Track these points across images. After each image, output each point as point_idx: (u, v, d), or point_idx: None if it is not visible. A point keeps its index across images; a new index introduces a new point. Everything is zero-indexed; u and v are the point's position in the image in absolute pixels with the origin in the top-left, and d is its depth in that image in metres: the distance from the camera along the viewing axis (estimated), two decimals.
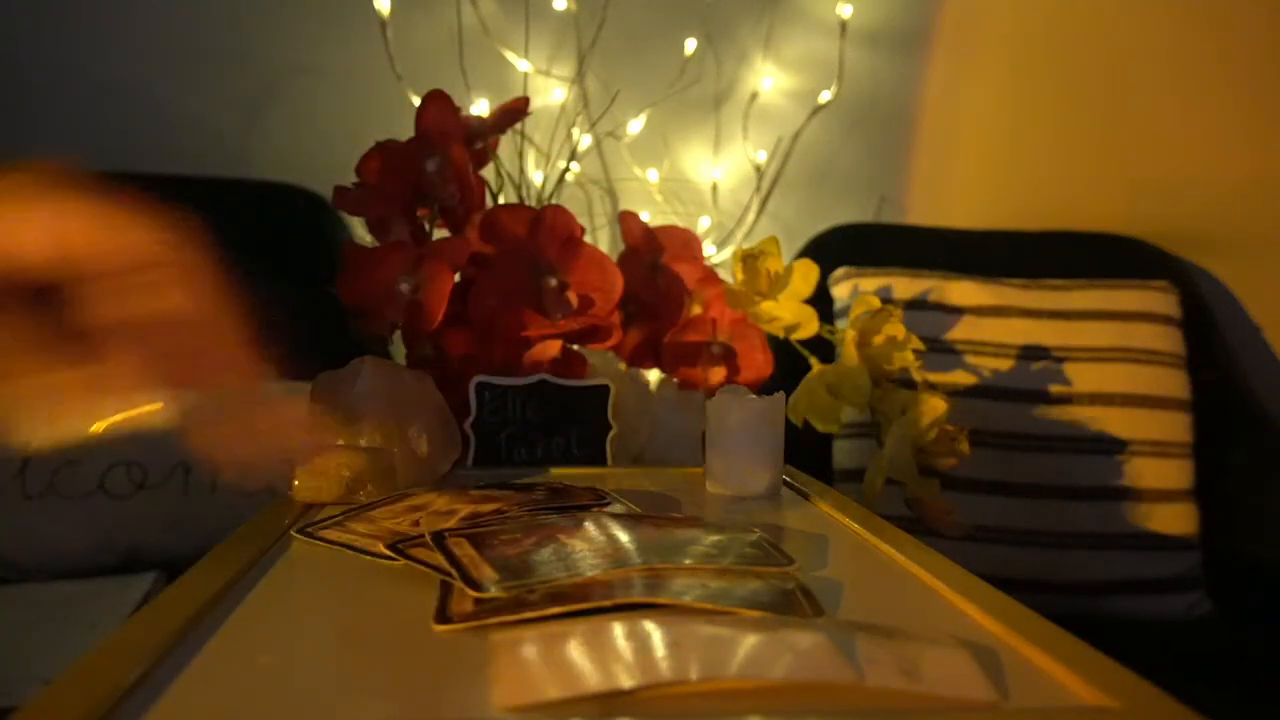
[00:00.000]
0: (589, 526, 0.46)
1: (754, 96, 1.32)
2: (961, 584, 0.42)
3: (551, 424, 0.73)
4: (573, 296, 0.81)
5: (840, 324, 1.13)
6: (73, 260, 0.36)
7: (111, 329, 0.37)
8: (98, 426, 0.36)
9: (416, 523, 0.49)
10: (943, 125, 1.36)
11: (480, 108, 1.22)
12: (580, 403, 0.73)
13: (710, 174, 1.33)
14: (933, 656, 0.32)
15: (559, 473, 0.69)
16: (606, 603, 0.37)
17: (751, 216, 1.33)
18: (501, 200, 1.07)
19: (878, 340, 0.80)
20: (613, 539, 0.44)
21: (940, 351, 1.08)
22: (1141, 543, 1.02)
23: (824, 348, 0.87)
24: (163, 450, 0.93)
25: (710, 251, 1.31)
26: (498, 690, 0.30)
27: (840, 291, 1.15)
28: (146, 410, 0.37)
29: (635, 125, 1.29)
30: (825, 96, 1.31)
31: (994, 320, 1.09)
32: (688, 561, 0.42)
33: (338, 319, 0.78)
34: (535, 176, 1.25)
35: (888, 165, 1.37)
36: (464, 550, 0.42)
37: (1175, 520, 1.03)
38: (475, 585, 0.38)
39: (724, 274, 1.01)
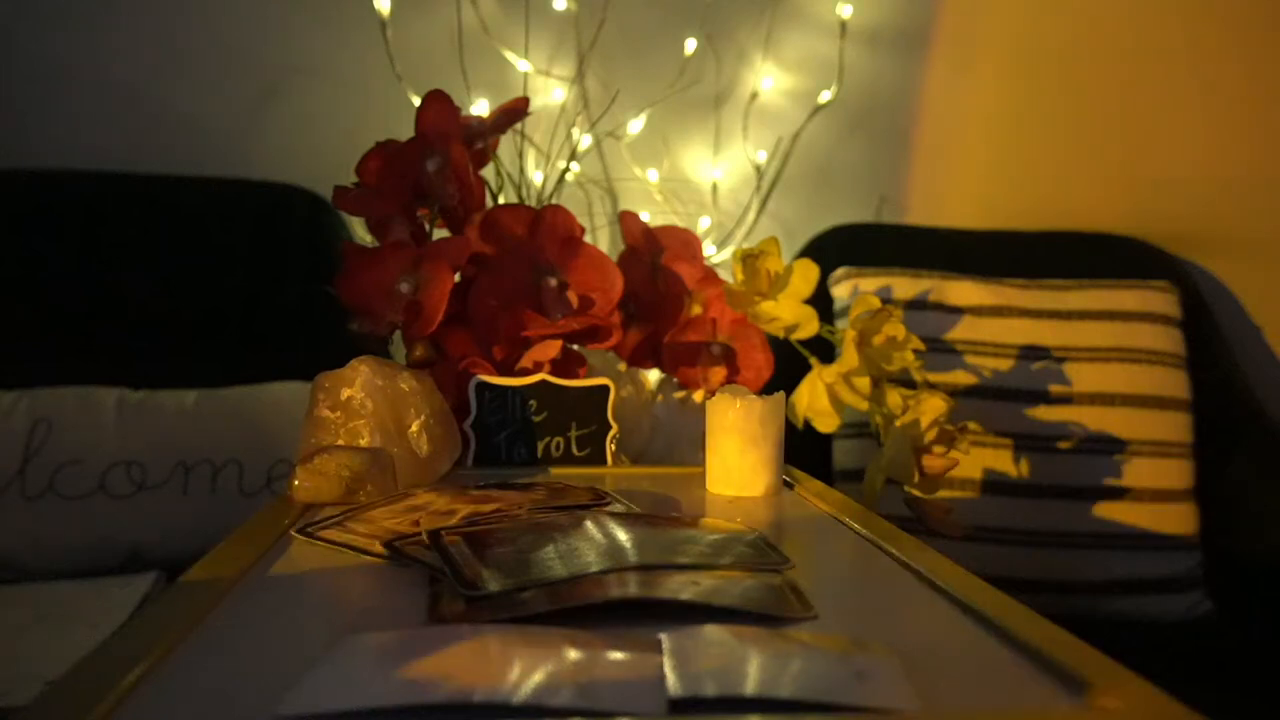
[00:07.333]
0: (587, 526, 0.46)
1: (754, 96, 1.32)
2: (961, 584, 0.42)
3: (551, 424, 0.73)
4: (573, 296, 0.81)
5: (840, 324, 1.13)
6: None
7: None
8: None
9: (416, 523, 0.49)
10: (943, 125, 1.36)
11: (480, 108, 1.22)
12: (580, 403, 0.73)
13: (710, 174, 1.33)
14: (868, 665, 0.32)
15: (559, 473, 0.69)
16: (599, 600, 0.37)
17: (751, 216, 1.33)
18: (501, 200, 1.07)
19: (878, 340, 0.80)
20: (610, 538, 0.44)
21: (940, 351, 1.08)
22: (1141, 543, 1.02)
23: (824, 348, 0.87)
24: (163, 450, 0.94)
25: (710, 251, 1.31)
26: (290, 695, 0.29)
27: (840, 291, 1.15)
28: None
29: (635, 125, 1.29)
30: (825, 96, 1.31)
31: (994, 320, 1.09)
32: (684, 561, 0.42)
33: (338, 319, 0.78)
34: (535, 176, 1.25)
35: (888, 165, 1.37)
36: (459, 549, 0.42)
37: (1175, 520, 1.03)
38: (468, 583, 0.38)
39: (724, 274, 1.01)
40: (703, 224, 1.33)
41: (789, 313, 0.83)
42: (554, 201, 1.18)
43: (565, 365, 0.78)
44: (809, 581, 0.42)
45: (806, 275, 0.84)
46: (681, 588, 0.38)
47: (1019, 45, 1.35)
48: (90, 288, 1.09)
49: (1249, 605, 1.04)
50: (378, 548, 0.45)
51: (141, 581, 0.85)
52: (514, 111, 0.91)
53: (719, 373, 0.85)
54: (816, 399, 0.82)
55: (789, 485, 0.66)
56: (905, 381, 0.86)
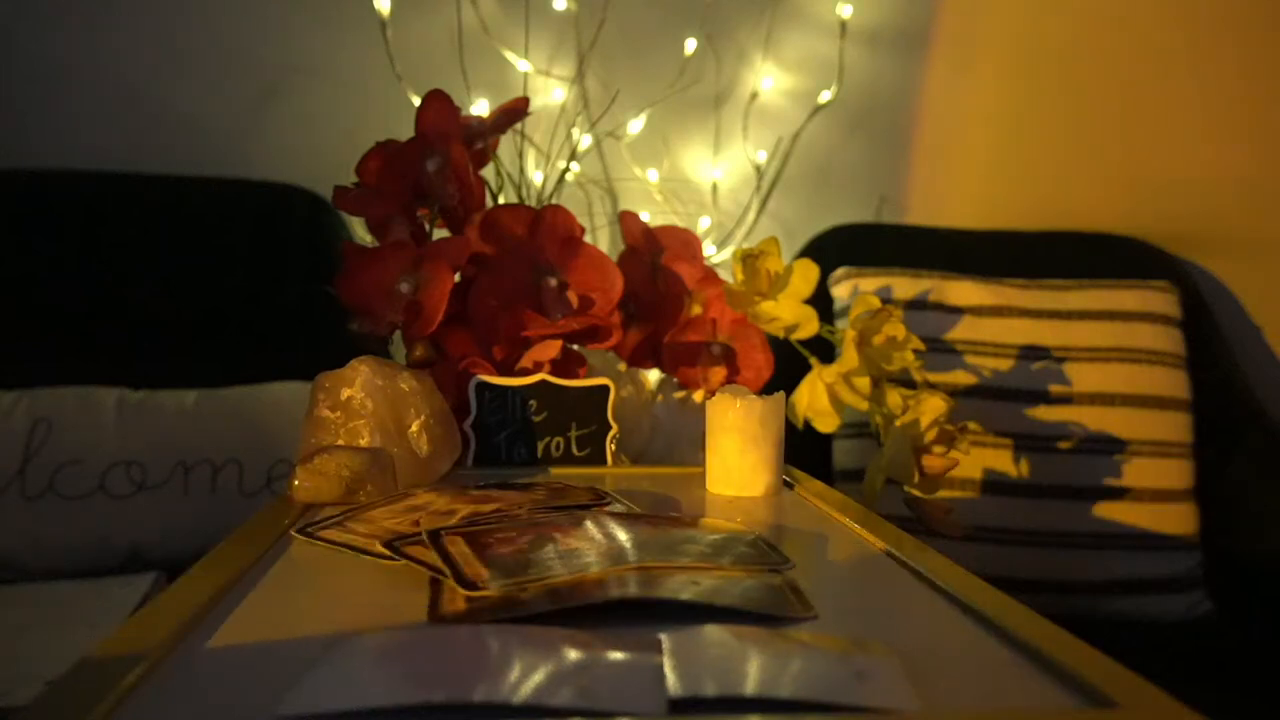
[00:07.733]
0: (586, 526, 0.46)
1: (754, 96, 1.32)
2: (961, 584, 0.42)
3: (551, 424, 0.73)
4: (573, 296, 0.81)
5: (840, 324, 1.13)
6: None
7: None
8: None
9: (416, 523, 0.49)
10: (943, 125, 1.36)
11: (480, 108, 1.22)
12: (580, 403, 0.73)
13: (710, 174, 1.33)
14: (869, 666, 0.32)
15: (559, 473, 0.69)
16: (599, 600, 0.37)
17: (751, 216, 1.33)
18: (501, 200, 1.06)
19: (878, 340, 0.80)
20: (610, 538, 0.44)
21: (940, 351, 1.08)
22: (1141, 543, 1.02)
23: (824, 348, 0.87)
24: (163, 450, 0.94)
25: (710, 251, 1.31)
26: (290, 695, 0.29)
27: (840, 291, 1.15)
28: None
29: (635, 125, 1.29)
30: (825, 96, 1.31)
31: (994, 320, 1.09)
32: (684, 561, 0.42)
33: (338, 319, 0.78)
34: (535, 176, 1.25)
35: (888, 165, 1.37)
36: (459, 548, 0.42)
37: (1175, 520, 1.03)
38: (468, 583, 0.38)
39: (724, 274, 1.01)
40: (703, 224, 1.33)
41: (789, 313, 0.83)
42: (554, 201, 1.18)
43: (565, 365, 0.78)
44: (809, 581, 0.42)
45: (806, 275, 0.84)
46: (681, 588, 0.38)
47: (1019, 45, 1.35)
48: (90, 288, 1.09)
49: (1249, 605, 1.04)
50: (378, 548, 0.45)
51: (141, 581, 0.85)
52: (514, 111, 0.91)
53: (719, 373, 0.85)
54: (816, 399, 0.82)
55: (789, 485, 0.66)
56: (905, 381, 0.86)
